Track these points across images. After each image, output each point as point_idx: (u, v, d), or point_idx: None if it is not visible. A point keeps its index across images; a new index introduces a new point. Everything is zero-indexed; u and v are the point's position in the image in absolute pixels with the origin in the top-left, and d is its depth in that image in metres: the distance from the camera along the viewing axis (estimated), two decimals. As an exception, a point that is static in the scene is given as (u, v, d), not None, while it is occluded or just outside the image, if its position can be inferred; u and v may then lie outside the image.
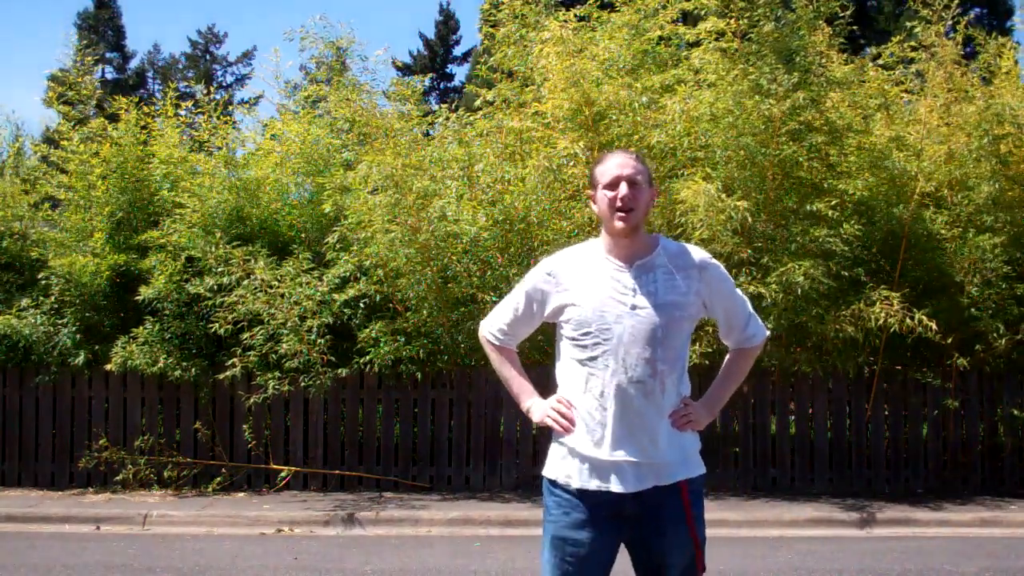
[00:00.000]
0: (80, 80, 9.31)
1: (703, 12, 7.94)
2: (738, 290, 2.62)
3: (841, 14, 8.19)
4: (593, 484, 2.41)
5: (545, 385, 2.68)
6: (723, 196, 7.05)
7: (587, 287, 2.46)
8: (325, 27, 8.75)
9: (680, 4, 8.22)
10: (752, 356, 2.65)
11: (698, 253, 2.53)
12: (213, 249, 7.74)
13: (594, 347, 2.42)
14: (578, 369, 2.46)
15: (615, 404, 2.39)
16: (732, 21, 7.83)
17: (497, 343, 2.69)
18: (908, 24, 8.53)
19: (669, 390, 2.42)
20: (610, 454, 2.39)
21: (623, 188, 2.45)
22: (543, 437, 7.46)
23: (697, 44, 8.10)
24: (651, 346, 2.39)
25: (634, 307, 2.41)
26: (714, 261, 2.55)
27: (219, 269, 7.61)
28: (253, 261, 7.59)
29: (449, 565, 5.74)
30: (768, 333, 2.69)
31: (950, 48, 8.34)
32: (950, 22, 8.27)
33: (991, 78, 8.79)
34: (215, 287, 7.59)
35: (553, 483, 2.49)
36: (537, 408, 2.57)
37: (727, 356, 2.68)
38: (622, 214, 2.44)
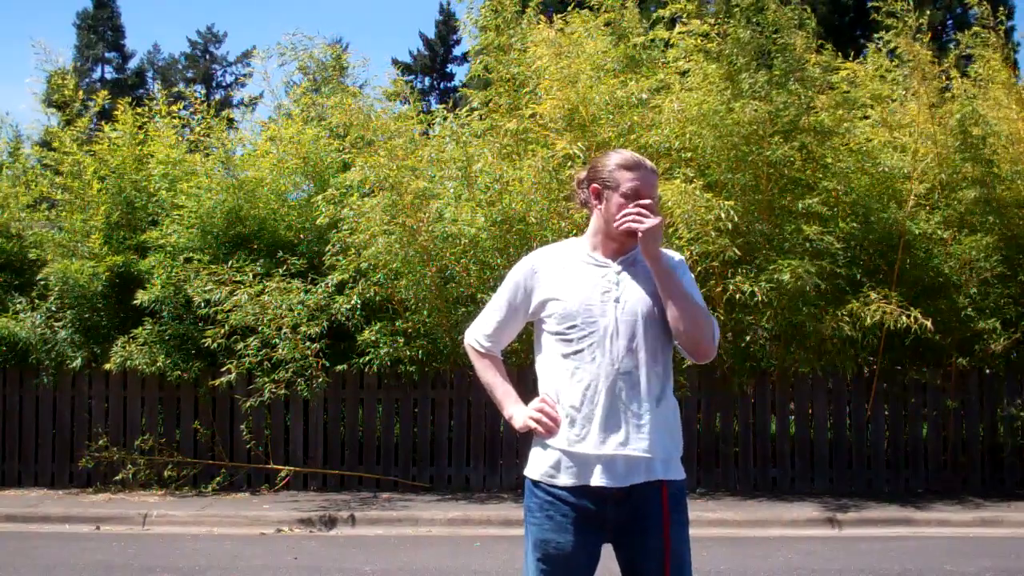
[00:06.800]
0: (77, 81, 9.30)
1: (684, 16, 7.90)
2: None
3: (809, 19, 8.15)
4: (578, 481, 2.38)
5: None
6: (708, 196, 7.03)
7: (571, 281, 2.46)
8: (303, 40, 8.76)
9: (662, 10, 8.18)
10: (708, 332, 2.48)
11: (668, 252, 2.55)
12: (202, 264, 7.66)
13: (580, 340, 2.41)
14: (563, 363, 2.44)
15: (604, 396, 2.38)
16: (711, 24, 7.81)
17: (483, 350, 2.69)
18: (877, 36, 8.50)
19: (655, 381, 2.41)
20: (598, 447, 2.37)
21: (646, 202, 2.43)
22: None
23: (681, 46, 8.08)
24: (637, 337, 2.40)
25: (619, 299, 2.42)
26: (681, 258, 2.58)
27: (207, 287, 7.50)
28: (240, 274, 7.51)
29: (449, 565, 5.74)
30: (719, 332, 2.66)
31: (922, 52, 8.28)
32: (916, 25, 8.20)
33: (977, 79, 8.79)
34: (202, 303, 7.52)
35: (536, 484, 2.46)
36: (519, 414, 2.54)
37: None
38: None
